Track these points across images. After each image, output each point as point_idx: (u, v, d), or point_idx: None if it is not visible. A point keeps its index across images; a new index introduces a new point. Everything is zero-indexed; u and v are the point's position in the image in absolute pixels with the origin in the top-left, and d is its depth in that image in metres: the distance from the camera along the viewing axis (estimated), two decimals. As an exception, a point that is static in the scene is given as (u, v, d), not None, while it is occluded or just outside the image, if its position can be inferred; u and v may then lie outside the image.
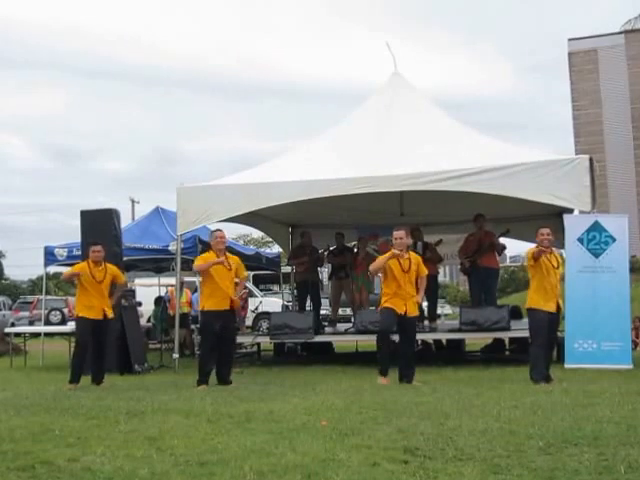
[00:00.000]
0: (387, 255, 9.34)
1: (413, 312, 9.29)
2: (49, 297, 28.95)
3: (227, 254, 9.74)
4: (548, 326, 8.92)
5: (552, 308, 8.90)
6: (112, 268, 10.33)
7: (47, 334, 15.71)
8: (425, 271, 9.52)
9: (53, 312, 27.01)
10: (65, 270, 12.49)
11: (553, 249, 9.18)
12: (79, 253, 13.20)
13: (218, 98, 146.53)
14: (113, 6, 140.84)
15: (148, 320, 20.76)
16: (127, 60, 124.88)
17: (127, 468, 4.61)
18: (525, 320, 14.97)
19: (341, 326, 15.10)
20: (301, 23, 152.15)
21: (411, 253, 9.55)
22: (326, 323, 15.13)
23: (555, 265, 9.00)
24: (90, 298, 9.97)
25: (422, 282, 9.46)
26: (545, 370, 8.89)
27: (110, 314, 10.13)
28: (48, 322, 23.18)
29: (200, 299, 10.33)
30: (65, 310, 28.03)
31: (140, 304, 16.15)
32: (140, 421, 6.34)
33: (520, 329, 12.64)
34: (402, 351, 9.36)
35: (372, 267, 9.74)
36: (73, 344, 13.61)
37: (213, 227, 15.10)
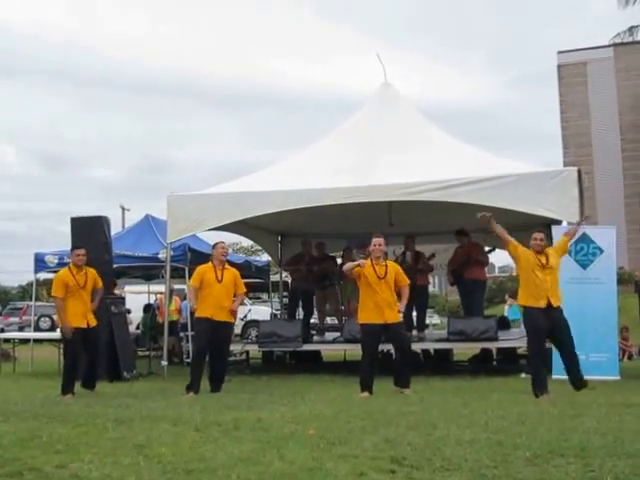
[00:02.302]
0: (355, 263, 9.40)
1: (393, 319, 9.20)
2: (39, 303, 28.78)
3: (226, 266, 9.83)
4: (543, 323, 8.61)
5: (543, 305, 8.59)
6: (92, 272, 10.24)
7: (36, 340, 15.67)
8: (406, 281, 9.44)
9: (43, 318, 27.00)
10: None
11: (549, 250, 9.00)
12: (69, 260, 13.20)
13: (210, 106, 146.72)
14: (104, 15, 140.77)
15: (137, 327, 20.72)
16: (118, 68, 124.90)
17: (115, 475, 4.61)
18: (513, 330, 15.11)
19: (329, 335, 15.12)
20: (294, 32, 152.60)
21: (389, 261, 9.59)
22: (314, 332, 15.15)
23: (544, 263, 8.81)
24: (75, 305, 9.87)
25: (403, 291, 9.38)
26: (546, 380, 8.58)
27: (93, 322, 10.00)
28: (37, 328, 23.15)
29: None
30: (54, 317, 27.94)
31: (129, 311, 16.13)
32: (128, 428, 6.33)
33: (508, 339, 12.70)
34: (395, 359, 9.40)
35: (344, 268, 9.77)
36: (62, 351, 13.62)
37: (203, 235, 15.20)
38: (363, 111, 14.40)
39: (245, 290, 10.21)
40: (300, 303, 15.25)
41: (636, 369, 11.70)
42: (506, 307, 26.80)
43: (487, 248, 14.32)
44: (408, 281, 9.51)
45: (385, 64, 14.43)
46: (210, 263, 9.85)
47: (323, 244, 15.06)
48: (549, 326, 8.63)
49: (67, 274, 10.02)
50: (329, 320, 16.98)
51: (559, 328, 8.69)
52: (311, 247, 14.95)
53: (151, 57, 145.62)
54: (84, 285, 9.98)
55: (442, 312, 42.98)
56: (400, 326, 9.48)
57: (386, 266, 9.32)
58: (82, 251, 10.15)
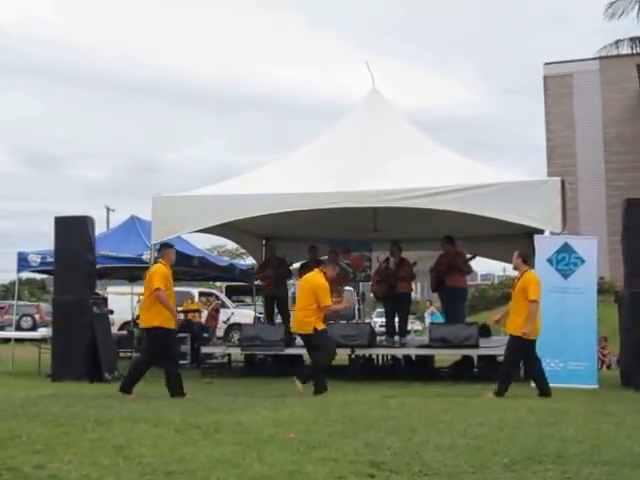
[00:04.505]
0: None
1: (507, 329, 9.65)
2: (21, 303, 28.65)
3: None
4: None
5: None
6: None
7: (17, 340, 15.59)
8: (529, 296, 9.21)
9: (24, 318, 26.85)
10: (42, 276, 12.17)
11: None
12: (52, 260, 13.17)
13: (198, 109, 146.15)
14: (93, 14, 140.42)
15: (119, 328, 20.64)
16: (106, 68, 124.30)
17: (94, 476, 4.61)
18: (494, 338, 15.14)
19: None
20: (284, 37, 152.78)
21: (528, 273, 9.48)
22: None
23: None
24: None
25: (528, 308, 9.19)
26: None
27: None
28: (19, 328, 23.02)
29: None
30: (36, 316, 27.87)
31: (112, 312, 16.08)
32: (108, 429, 6.30)
33: (489, 347, 12.73)
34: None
35: None
36: (43, 350, 13.54)
37: (187, 237, 15.16)
38: (350, 117, 14.45)
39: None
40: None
41: (614, 378, 11.75)
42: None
43: (468, 255, 14.35)
44: (533, 297, 9.22)
45: (375, 72, 14.54)
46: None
47: (315, 247, 15.01)
48: None
49: (166, 269, 9.36)
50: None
51: None
52: (273, 250, 14.95)
53: (142, 58, 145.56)
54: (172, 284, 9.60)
55: (424, 318, 43.10)
56: (510, 339, 9.62)
57: (518, 279, 9.55)
58: (174, 249, 9.74)
